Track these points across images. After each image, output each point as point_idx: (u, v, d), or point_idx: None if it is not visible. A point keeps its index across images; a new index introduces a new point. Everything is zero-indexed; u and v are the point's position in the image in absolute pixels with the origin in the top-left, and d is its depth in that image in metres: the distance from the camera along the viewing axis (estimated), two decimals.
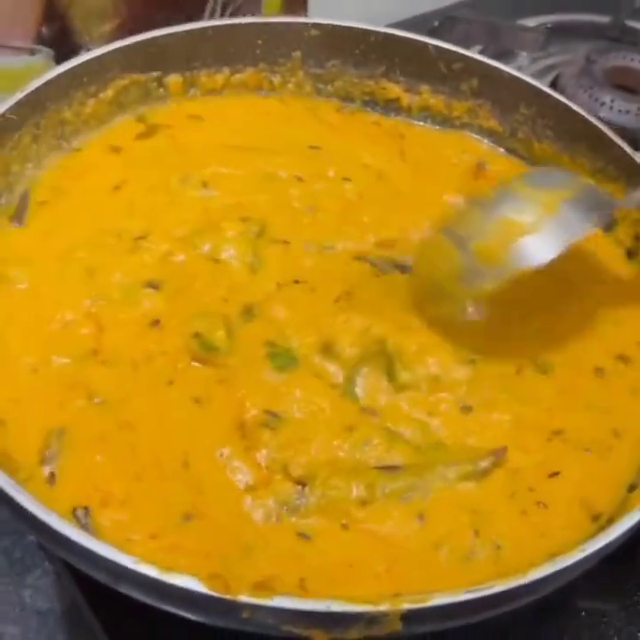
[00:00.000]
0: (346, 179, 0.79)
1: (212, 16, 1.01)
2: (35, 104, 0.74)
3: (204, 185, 0.75)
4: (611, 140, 0.77)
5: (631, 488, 0.61)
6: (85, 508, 0.56)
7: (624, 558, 0.69)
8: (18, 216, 0.72)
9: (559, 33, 1.21)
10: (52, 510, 0.50)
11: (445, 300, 0.66)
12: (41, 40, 0.98)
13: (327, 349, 0.64)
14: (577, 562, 0.51)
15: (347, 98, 0.88)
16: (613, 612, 0.68)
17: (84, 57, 0.77)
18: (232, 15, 1.02)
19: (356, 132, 0.85)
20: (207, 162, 0.77)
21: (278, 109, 0.85)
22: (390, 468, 0.59)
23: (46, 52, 0.97)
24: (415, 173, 0.81)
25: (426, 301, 0.67)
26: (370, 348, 0.64)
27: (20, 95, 0.73)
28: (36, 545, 0.79)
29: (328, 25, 0.84)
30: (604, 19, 1.24)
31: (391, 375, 0.64)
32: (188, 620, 0.50)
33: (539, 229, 0.62)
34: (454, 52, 0.83)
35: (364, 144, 0.83)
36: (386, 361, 0.64)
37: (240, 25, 0.83)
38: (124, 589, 0.50)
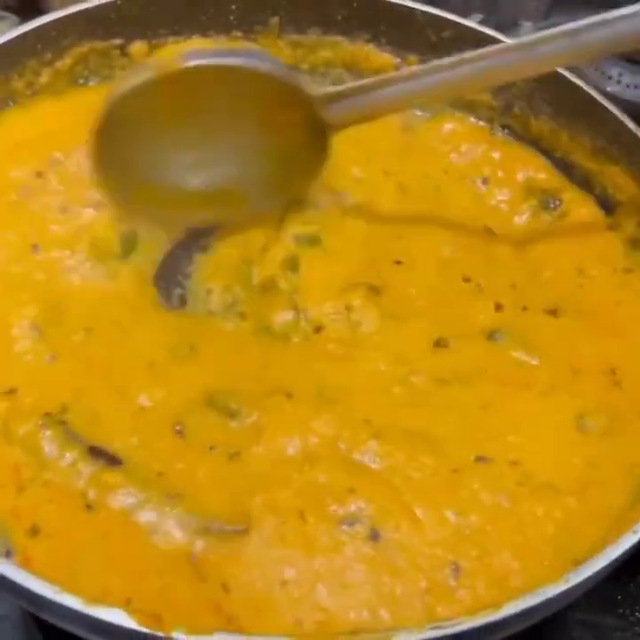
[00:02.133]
0: None
1: None
2: None
3: None
4: (614, 116, 0.71)
5: None
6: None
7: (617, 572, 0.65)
8: None
9: (564, 1, 1.14)
10: None
11: None
12: (4, 5, 0.94)
13: None
14: (559, 593, 0.45)
15: (328, 67, 0.81)
16: (608, 624, 0.66)
17: (36, 21, 0.70)
18: None
19: None
20: None
21: None
22: None
23: (11, 20, 0.93)
24: None
25: None
26: None
27: None
28: None
29: None
30: None
31: None
32: None
33: None
34: (444, 19, 0.76)
35: None
36: None
37: None
38: (50, 619, 0.45)
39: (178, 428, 0.57)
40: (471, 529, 0.53)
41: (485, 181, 0.75)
